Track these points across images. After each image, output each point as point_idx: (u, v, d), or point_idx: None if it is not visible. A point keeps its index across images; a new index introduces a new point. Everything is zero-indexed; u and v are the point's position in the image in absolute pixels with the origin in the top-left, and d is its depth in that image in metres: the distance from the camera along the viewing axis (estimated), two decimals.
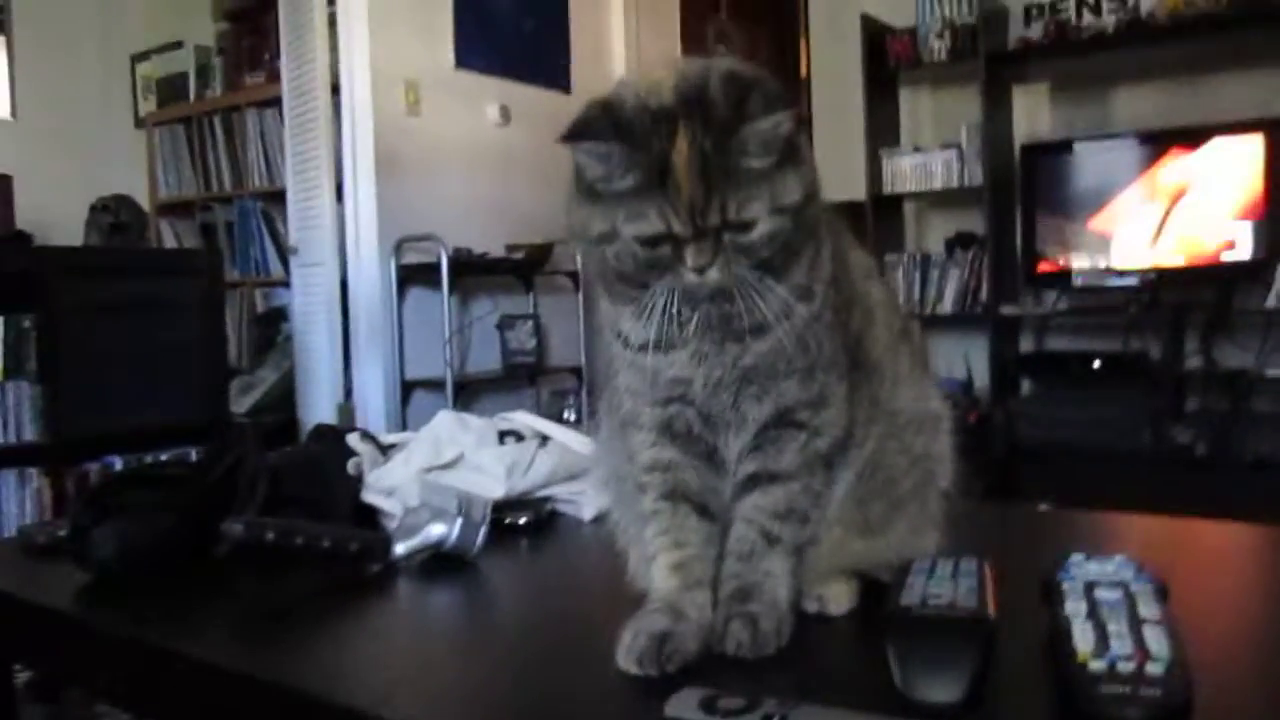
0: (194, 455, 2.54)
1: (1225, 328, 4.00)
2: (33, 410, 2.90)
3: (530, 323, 4.42)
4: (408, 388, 4.16)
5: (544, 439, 1.32)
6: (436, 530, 1.04)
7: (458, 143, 4.37)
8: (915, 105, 4.91)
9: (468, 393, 4.16)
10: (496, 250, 4.28)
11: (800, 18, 5.50)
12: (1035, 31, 4.48)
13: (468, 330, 4.37)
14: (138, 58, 5.82)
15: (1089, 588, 0.69)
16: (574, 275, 4.44)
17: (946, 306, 4.52)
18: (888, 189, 4.64)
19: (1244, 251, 3.84)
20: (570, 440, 1.31)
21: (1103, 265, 4.14)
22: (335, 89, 4.14)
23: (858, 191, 4.55)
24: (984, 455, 3.99)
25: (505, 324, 4.38)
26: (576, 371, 4.61)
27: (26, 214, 4.46)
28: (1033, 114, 4.59)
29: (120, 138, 5.70)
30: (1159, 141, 4.04)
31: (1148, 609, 0.65)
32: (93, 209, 4.91)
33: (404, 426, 3.77)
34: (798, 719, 0.61)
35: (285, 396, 4.44)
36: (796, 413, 0.78)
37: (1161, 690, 0.55)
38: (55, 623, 0.99)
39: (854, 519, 0.84)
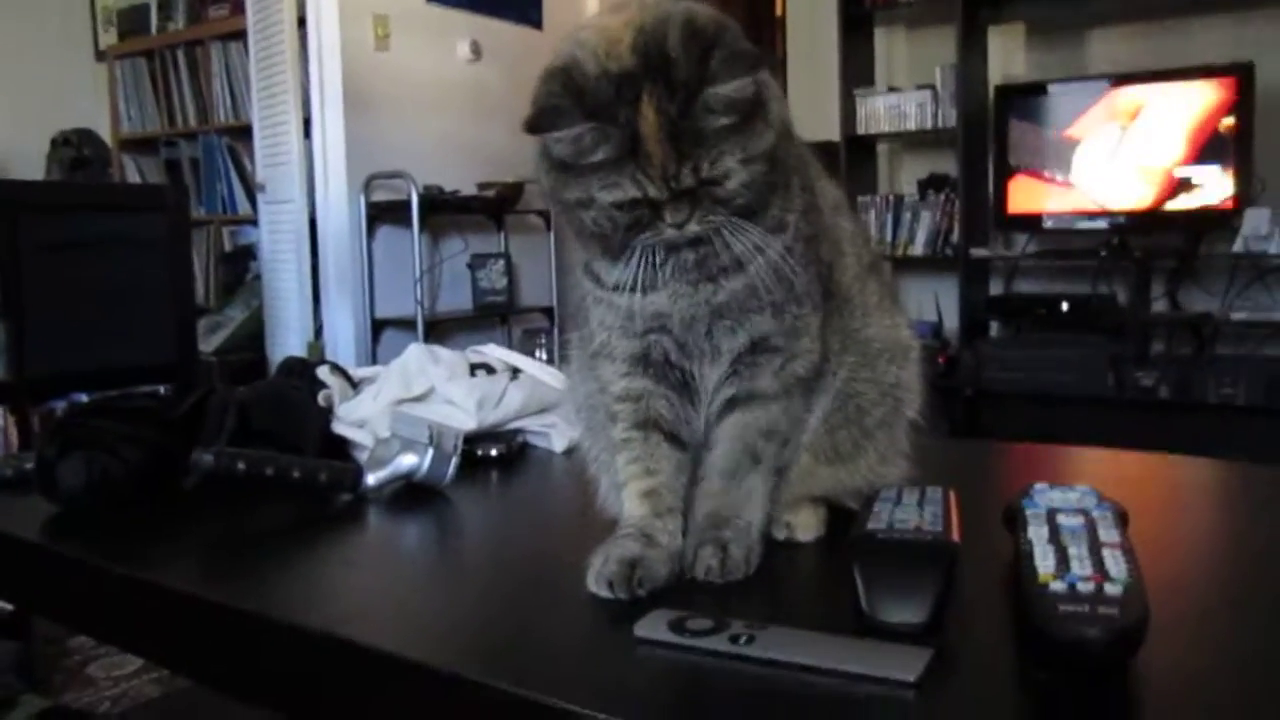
0: (162, 392, 2.52)
1: (1192, 272, 4.05)
2: None
3: (501, 262, 4.39)
4: (378, 326, 4.14)
5: (515, 372, 1.32)
6: (407, 461, 1.04)
7: (428, 78, 4.30)
8: (890, 46, 4.87)
9: (439, 332, 4.14)
10: (467, 188, 4.24)
11: None
12: None
13: (438, 269, 4.34)
14: None
15: (1051, 514, 0.70)
16: (546, 215, 4.40)
17: (918, 248, 4.52)
18: (862, 130, 4.61)
19: (1213, 196, 3.87)
20: (541, 373, 1.32)
21: (1073, 208, 4.16)
22: (302, 22, 4.06)
23: (832, 132, 4.53)
24: (952, 396, 4.03)
25: (476, 263, 4.36)
26: (548, 311, 4.61)
27: None
28: (1008, 56, 4.56)
29: (81, 71, 5.56)
30: (1132, 84, 4.03)
31: (1107, 534, 0.66)
32: (54, 143, 4.82)
33: (374, 365, 3.76)
34: (765, 640, 0.62)
35: (254, 335, 4.41)
36: (771, 339, 0.79)
37: (1119, 610, 0.57)
38: (23, 554, 0.99)
39: (823, 447, 0.85)
